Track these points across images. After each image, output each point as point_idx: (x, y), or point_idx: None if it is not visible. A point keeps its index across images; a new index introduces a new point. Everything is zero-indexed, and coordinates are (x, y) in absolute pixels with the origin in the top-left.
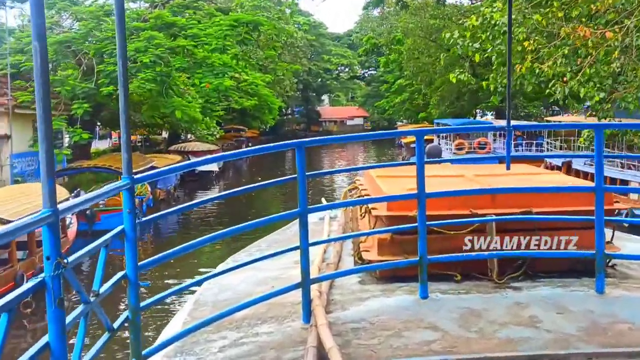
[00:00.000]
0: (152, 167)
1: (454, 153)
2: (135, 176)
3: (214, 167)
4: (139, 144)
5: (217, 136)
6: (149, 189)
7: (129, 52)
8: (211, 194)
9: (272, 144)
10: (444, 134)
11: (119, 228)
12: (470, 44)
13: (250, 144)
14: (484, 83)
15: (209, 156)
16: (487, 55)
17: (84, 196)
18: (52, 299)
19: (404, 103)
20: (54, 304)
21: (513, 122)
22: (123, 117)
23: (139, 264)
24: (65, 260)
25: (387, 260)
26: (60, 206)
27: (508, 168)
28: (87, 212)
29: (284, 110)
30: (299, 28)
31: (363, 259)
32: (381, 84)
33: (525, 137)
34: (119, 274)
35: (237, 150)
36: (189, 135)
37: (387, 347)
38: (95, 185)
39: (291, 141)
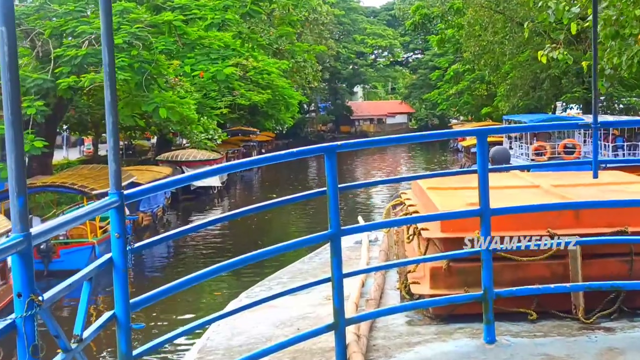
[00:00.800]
0: (133, 184)
1: (532, 159)
2: (126, 191)
3: (215, 181)
4: (120, 152)
5: (219, 141)
6: (127, 211)
7: (92, 31)
8: (213, 217)
9: (292, 150)
10: (516, 134)
11: (107, 257)
12: (566, 9)
13: (263, 151)
14: (583, 63)
15: (208, 167)
16: (587, 24)
17: (60, 218)
18: (25, 345)
19: (460, 95)
20: (27, 353)
21: (606, 118)
22: (110, 120)
23: (131, 301)
24: (41, 298)
25: (443, 295)
26: (34, 230)
27: (595, 176)
28: (42, 246)
29: (306, 106)
30: (324, 1)
31: (412, 293)
32: (431, 71)
33: (626, 137)
34: (107, 314)
35: (245, 160)
36: (183, 141)
37: None
38: (56, 209)
39: (318, 145)
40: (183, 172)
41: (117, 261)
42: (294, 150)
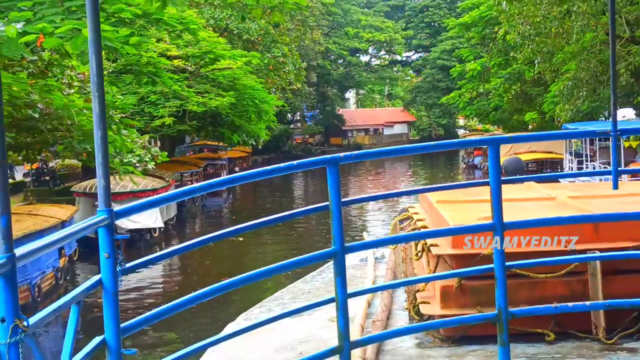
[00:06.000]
0: None
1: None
2: (116, 209)
3: (152, 220)
4: (32, 178)
5: (150, 165)
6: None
7: None
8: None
9: (293, 162)
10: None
11: (96, 278)
12: None
13: (237, 169)
14: None
15: (141, 200)
16: None
17: (48, 237)
18: None
19: (486, 97)
20: None
21: None
22: (98, 134)
23: (122, 325)
24: (26, 323)
25: (455, 315)
26: (18, 251)
27: (615, 187)
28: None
29: (290, 115)
30: None
31: (421, 313)
32: (440, 71)
33: None
34: (97, 339)
35: (214, 180)
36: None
37: None
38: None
39: (321, 157)
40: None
41: (106, 283)
42: (295, 162)
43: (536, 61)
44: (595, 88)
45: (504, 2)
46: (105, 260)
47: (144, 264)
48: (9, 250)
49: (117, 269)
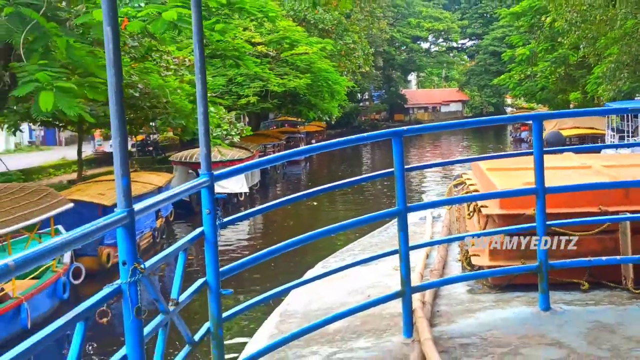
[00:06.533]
0: (69, 216)
1: None
2: (216, 172)
3: (238, 186)
4: (137, 149)
5: (236, 139)
6: (66, 259)
7: None
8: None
9: (363, 134)
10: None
11: (199, 230)
12: None
13: (313, 141)
14: None
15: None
16: None
17: (161, 194)
18: (130, 307)
19: (533, 78)
20: (132, 313)
21: None
22: (201, 109)
23: (220, 269)
24: (143, 266)
25: (501, 266)
26: (136, 206)
27: None
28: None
29: (359, 95)
30: None
31: (472, 264)
32: (491, 56)
33: None
34: (199, 281)
35: (303, 148)
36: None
37: None
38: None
39: (387, 130)
40: (198, 177)
41: (207, 234)
42: (365, 134)
43: (581, 46)
44: (635, 70)
45: None
46: (206, 215)
47: (238, 219)
48: (128, 206)
49: (217, 223)
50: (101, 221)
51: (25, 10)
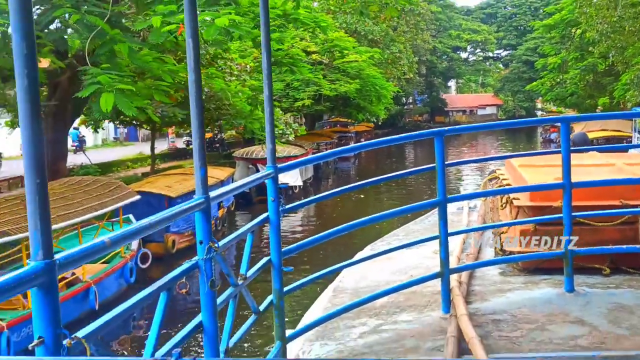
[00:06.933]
0: (137, 207)
1: None
2: (280, 165)
3: (293, 179)
4: (205, 145)
5: (291, 137)
6: (134, 245)
7: None
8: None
9: (409, 134)
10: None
11: (264, 216)
12: None
13: (362, 140)
14: None
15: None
16: None
17: (233, 184)
18: (205, 280)
19: (561, 84)
20: (207, 285)
21: None
22: (267, 109)
23: (282, 249)
24: (217, 245)
25: (531, 252)
26: (212, 193)
27: None
28: None
29: (404, 99)
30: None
31: (504, 250)
32: (524, 65)
33: None
34: (264, 259)
35: (344, 147)
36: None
37: (529, 341)
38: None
39: (430, 130)
40: (258, 171)
41: (272, 219)
42: (409, 134)
43: (610, 55)
44: None
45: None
46: (271, 202)
47: (299, 206)
48: (205, 193)
49: (280, 209)
50: (183, 205)
51: (90, 18)
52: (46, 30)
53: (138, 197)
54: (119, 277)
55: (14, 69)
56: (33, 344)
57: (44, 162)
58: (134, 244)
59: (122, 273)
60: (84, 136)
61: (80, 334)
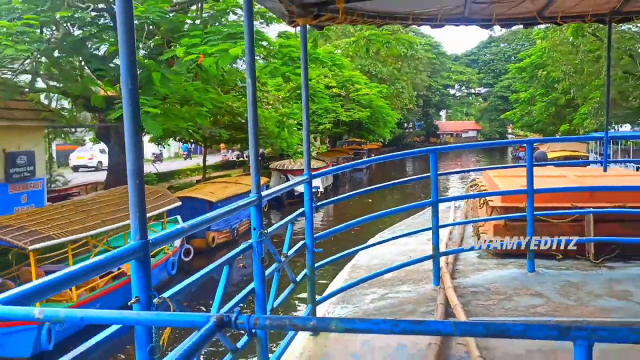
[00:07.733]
0: (177, 212)
1: None
2: (314, 172)
3: (316, 183)
4: (242, 159)
5: (313, 153)
6: (176, 242)
7: None
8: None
9: (408, 151)
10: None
11: (300, 211)
12: None
13: (373, 155)
14: None
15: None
16: None
17: (278, 186)
18: (257, 258)
19: (529, 114)
20: (258, 262)
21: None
22: (305, 133)
23: (314, 235)
24: (266, 231)
25: (501, 241)
26: (263, 193)
27: (605, 170)
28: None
29: (405, 124)
30: (421, 48)
31: (482, 239)
32: (499, 99)
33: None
34: (300, 243)
35: (359, 160)
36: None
37: (500, 308)
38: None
39: (425, 148)
40: (288, 180)
41: (307, 213)
42: (410, 151)
43: (572, 91)
44: (613, 109)
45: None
46: (307, 200)
47: (327, 204)
48: (258, 192)
49: (313, 206)
50: (241, 201)
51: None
52: (111, 65)
53: (179, 203)
54: (162, 270)
55: (82, 95)
56: (131, 301)
57: (142, 168)
58: (177, 242)
59: (165, 267)
60: (161, 151)
61: (165, 295)
